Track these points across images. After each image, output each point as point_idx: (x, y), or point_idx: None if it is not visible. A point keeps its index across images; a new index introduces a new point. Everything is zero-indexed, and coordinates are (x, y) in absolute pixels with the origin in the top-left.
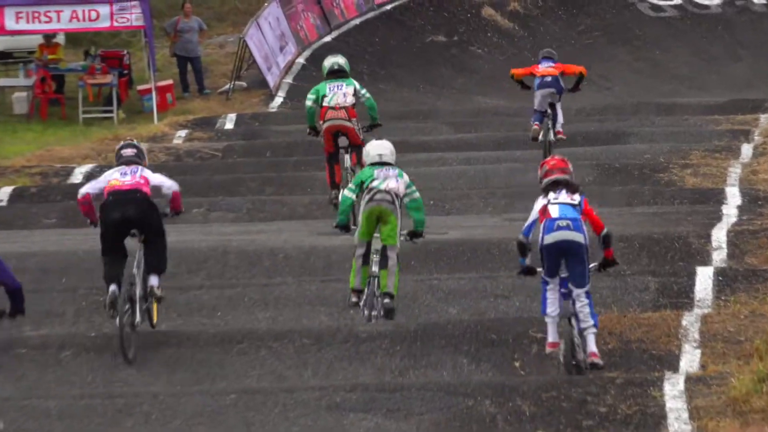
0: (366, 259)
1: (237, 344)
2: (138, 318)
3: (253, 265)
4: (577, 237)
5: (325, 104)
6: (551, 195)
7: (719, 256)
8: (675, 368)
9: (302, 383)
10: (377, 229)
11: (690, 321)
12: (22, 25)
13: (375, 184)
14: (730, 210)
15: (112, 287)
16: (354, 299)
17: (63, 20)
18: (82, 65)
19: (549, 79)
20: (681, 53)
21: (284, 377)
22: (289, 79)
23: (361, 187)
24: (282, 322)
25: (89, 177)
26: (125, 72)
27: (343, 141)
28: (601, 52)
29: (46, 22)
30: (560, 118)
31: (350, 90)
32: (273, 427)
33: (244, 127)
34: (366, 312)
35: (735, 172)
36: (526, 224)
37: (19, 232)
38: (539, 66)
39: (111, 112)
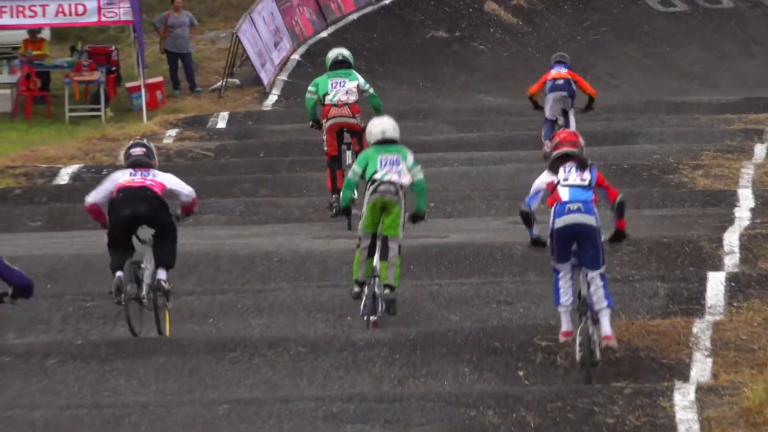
0: (371, 250)
1: (230, 352)
2: (144, 293)
3: (246, 270)
4: (589, 220)
5: (327, 102)
6: (561, 174)
7: (731, 261)
8: (685, 377)
9: (297, 393)
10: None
11: (701, 328)
12: (6, 20)
13: (378, 175)
14: (743, 213)
15: (118, 273)
16: (357, 289)
17: (48, 15)
18: (69, 62)
19: (561, 81)
20: (691, 50)
21: (279, 387)
22: (283, 77)
23: (364, 172)
24: (276, 329)
25: (75, 178)
26: (113, 69)
27: (346, 137)
28: (608, 48)
29: (31, 16)
30: (572, 127)
31: (353, 86)
32: None
33: (237, 126)
34: (365, 316)
35: (748, 173)
36: (530, 195)
37: (3, 236)
38: (551, 71)
39: (98, 110)
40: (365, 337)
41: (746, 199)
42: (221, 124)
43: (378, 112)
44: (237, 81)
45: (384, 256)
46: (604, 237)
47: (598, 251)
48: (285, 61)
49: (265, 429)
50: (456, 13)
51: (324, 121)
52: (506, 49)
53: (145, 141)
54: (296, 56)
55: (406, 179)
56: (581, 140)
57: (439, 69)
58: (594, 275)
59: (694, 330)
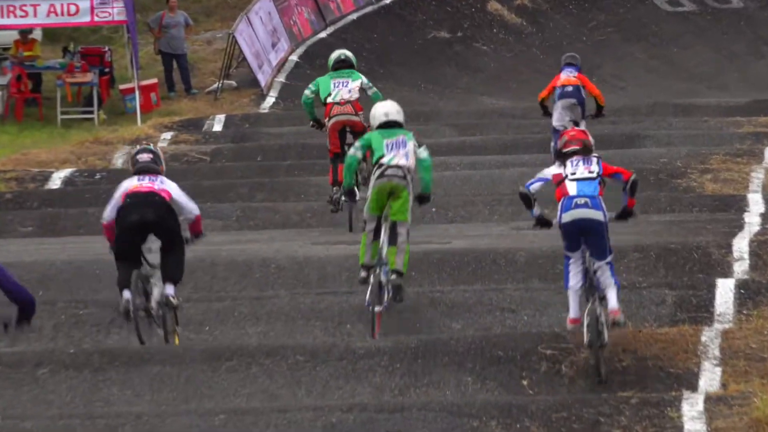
0: (377, 234)
1: (226, 361)
2: (153, 303)
3: (243, 277)
4: (596, 215)
5: (329, 101)
6: (569, 168)
7: (741, 268)
8: (694, 387)
9: (296, 403)
10: (387, 205)
11: (710, 337)
12: None
13: (385, 160)
14: (753, 218)
15: (126, 294)
16: (363, 274)
17: (40, 15)
18: (61, 63)
19: (570, 88)
20: (700, 50)
21: (276, 396)
22: (281, 78)
23: (368, 151)
24: (274, 337)
25: (68, 182)
26: (106, 70)
27: (349, 138)
28: (614, 49)
29: (22, 16)
30: None
31: (356, 85)
32: None
33: (234, 129)
34: (371, 305)
35: (758, 177)
36: (532, 180)
37: None
38: (561, 75)
39: (91, 113)
40: (365, 345)
41: (756, 204)
42: (217, 127)
43: None
44: (233, 83)
45: (393, 242)
46: (611, 215)
47: (605, 243)
48: (283, 63)
49: None
50: (458, 13)
51: (326, 120)
52: (510, 50)
53: (151, 146)
54: (294, 57)
55: (412, 161)
56: (591, 139)
57: (440, 70)
58: (601, 264)
59: (703, 338)
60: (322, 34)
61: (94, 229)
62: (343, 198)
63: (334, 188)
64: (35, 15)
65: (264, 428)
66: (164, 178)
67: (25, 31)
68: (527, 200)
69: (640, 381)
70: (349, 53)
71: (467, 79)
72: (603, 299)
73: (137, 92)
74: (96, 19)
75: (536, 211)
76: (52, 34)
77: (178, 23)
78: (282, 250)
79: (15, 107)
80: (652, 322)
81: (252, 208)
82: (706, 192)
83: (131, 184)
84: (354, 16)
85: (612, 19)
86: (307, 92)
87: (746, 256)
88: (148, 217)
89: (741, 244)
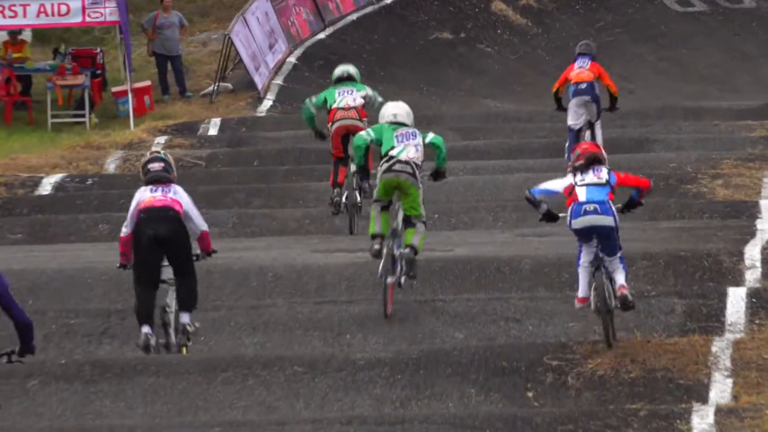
0: (386, 208)
1: (222, 372)
2: (173, 340)
3: (239, 286)
4: (606, 221)
5: (334, 106)
6: (578, 176)
7: (753, 276)
8: (704, 399)
9: (294, 415)
10: (397, 197)
11: (721, 347)
12: None
13: (394, 152)
14: (765, 225)
15: (145, 330)
16: (377, 246)
17: (30, 15)
18: (51, 65)
19: (583, 86)
20: (711, 52)
21: (274, 409)
22: (278, 81)
23: (378, 139)
24: (271, 348)
25: (58, 188)
26: (98, 72)
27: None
28: (622, 50)
29: (11, 17)
30: (600, 142)
31: (361, 94)
32: None
33: (230, 133)
34: (383, 276)
35: None
36: (541, 187)
37: None
38: (574, 66)
39: (83, 116)
40: (365, 356)
41: None
42: (213, 131)
43: None
44: (229, 85)
45: (409, 226)
46: (618, 206)
47: (615, 244)
48: (280, 65)
49: None
50: (461, 14)
51: (329, 124)
52: (514, 52)
53: (162, 154)
54: (292, 59)
55: (421, 154)
56: (604, 153)
57: (443, 72)
58: (612, 259)
59: (714, 349)
60: (321, 35)
61: (86, 236)
62: (344, 199)
63: (335, 190)
64: (25, 15)
65: None
66: (177, 188)
67: (14, 32)
68: (533, 203)
69: (649, 393)
70: (352, 70)
71: (470, 81)
72: (611, 280)
73: (130, 95)
74: (87, 19)
75: (543, 207)
76: (42, 35)
77: (173, 24)
78: (279, 258)
79: (4, 110)
80: (661, 331)
81: (249, 215)
82: (717, 198)
83: (144, 196)
84: (354, 16)
85: (620, 19)
86: (307, 103)
87: (758, 264)
88: (162, 232)
89: (753, 252)
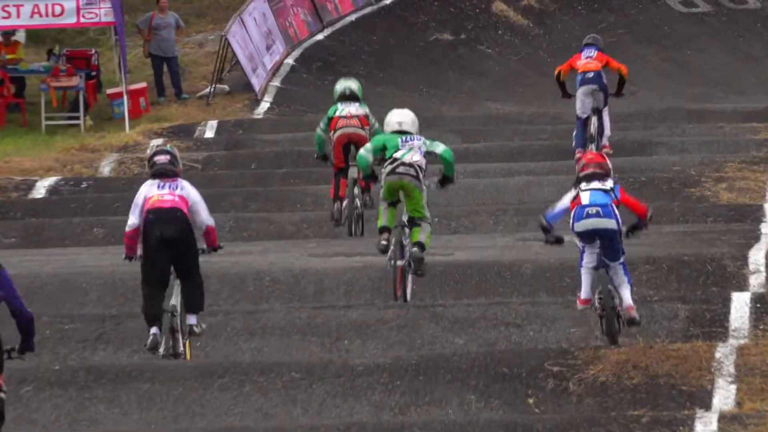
0: (393, 204)
1: (218, 378)
2: (181, 348)
3: (236, 290)
4: (609, 224)
5: (336, 115)
6: (583, 185)
7: (757, 281)
8: (707, 406)
9: (291, 422)
10: (401, 198)
11: (724, 353)
12: None
13: (399, 154)
14: None
15: (153, 330)
16: (384, 241)
17: (23, 16)
18: (45, 66)
19: (591, 75)
20: (715, 53)
21: (271, 415)
22: (276, 82)
23: (382, 152)
24: (268, 353)
25: (52, 191)
26: (93, 74)
27: (353, 151)
28: (625, 52)
29: (5, 17)
30: (607, 130)
31: (362, 112)
32: None
33: (227, 136)
34: (392, 260)
35: None
36: (554, 211)
37: None
38: (581, 55)
39: (77, 118)
40: (363, 362)
41: None
42: (209, 134)
43: None
44: (226, 87)
45: (414, 225)
46: (624, 228)
47: (618, 248)
48: (278, 66)
49: None
50: (462, 14)
51: (331, 133)
52: (516, 53)
53: (168, 147)
54: (290, 60)
55: (422, 159)
56: (609, 163)
57: (443, 74)
58: (614, 264)
59: (717, 355)
60: (319, 36)
61: (80, 240)
62: (344, 208)
63: (335, 204)
64: (18, 16)
65: None
66: (184, 183)
67: (7, 33)
68: (546, 231)
69: (652, 399)
70: (354, 86)
71: (471, 83)
72: (616, 290)
73: (125, 97)
74: (82, 20)
75: (552, 235)
76: (36, 35)
77: (169, 25)
78: (277, 263)
79: None
80: (664, 337)
81: (246, 219)
82: (720, 201)
83: (151, 193)
84: (352, 17)
85: (623, 20)
86: (318, 130)
87: (762, 268)
88: (169, 233)
89: (757, 256)
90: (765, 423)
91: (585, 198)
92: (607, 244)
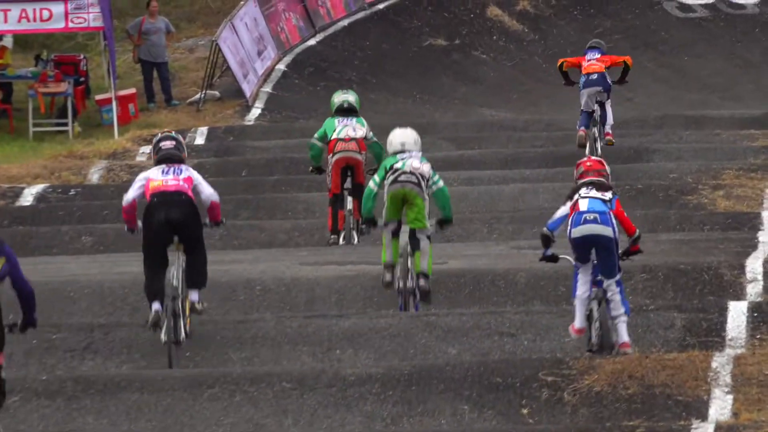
0: (396, 234)
1: (208, 389)
2: (182, 336)
3: (226, 300)
4: (605, 231)
5: (333, 137)
6: (582, 191)
7: (754, 290)
8: (704, 416)
9: None
10: (403, 213)
11: (721, 363)
12: None
13: (398, 165)
14: (767, 237)
15: (156, 306)
16: (387, 278)
17: (11, 20)
18: (33, 72)
19: (595, 77)
20: (712, 59)
21: (262, 426)
22: (267, 88)
23: (384, 175)
24: (259, 363)
25: (40, 199)
26: (82, 80)
27: (348, 183)
28: None
29: None
30: (610, 119)
31: (359, 126)
32: None
33: (217, 143)
34: (398, 284)
35: None
36: (554, 218)
37: None
38: (585, 57)
39: (65, 125)
40: (355, 372)
41: None
42: (199, 140)
43: (378, 159)
44: (217, 93)
45: (415, 247)
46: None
47: (614, 260)
48: (269, 72)
49: None
50: (456, 20)
51: (329, 156)
52: (510, 59)
53: (174, 133)
54: (282, 66)
55: (426, 167)
56: (607, 168)
57: (437, 80)
58: (610, 282)
59: (714, 364)
60: (312, 42)
61: (68, 248)
62: (342, 240)
63: (332, 236)
64: (5, 21)
65: None
66: (188, 167)
67: None
68: (547, 241)
69: (647, 409)
70: (352, 99)
71: (465, 89)
72: (613, 326)
73: (114, 103)
74: (71, 25)
75: (550, 251)
76: (23, 41)
77: (159, 30)
78: (268, 271)
79: None
80: (660, 346)
81: (236, 227)
82: (718, 209)
83: (156, 176)
84: (345, 22)
85: (619, 25)
86: (314, 141)
87: (760, 277)
88: (174, 216)
89: (755, 265)
90: None
91: (583, 205)
92: (603, 254)
